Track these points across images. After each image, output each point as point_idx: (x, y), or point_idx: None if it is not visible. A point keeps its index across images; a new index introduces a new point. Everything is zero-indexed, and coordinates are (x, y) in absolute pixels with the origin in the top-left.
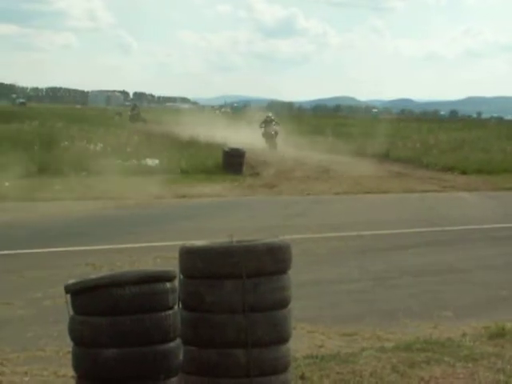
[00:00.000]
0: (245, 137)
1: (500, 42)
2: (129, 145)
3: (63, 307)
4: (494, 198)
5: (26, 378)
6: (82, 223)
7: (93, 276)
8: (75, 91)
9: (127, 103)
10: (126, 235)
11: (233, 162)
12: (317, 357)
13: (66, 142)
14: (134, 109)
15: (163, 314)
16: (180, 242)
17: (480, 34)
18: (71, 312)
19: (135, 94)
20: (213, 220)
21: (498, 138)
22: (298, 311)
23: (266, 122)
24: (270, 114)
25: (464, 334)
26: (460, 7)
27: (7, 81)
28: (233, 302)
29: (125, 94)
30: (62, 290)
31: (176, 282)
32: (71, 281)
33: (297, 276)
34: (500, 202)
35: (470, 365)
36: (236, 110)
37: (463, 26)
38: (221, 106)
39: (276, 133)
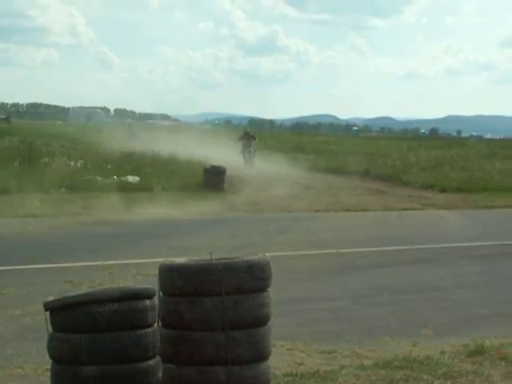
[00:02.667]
0: (223, 154)
1: (479, 61)
2: (109, 162)
3: (42, 324)
4: (474, 216)
5: None
6: (62, 240)
7: (72, 293)
8: (56, 107)
9: (108, 120)
10: (106, 252)
11: (214, 179)
12: (296, 374)
13: (47, 159)
14: (130, 127)
15: (142, 331)
16: (160, 260)
17: (460, 53)
18: (50, 329)
19: (116, 110)
20: (193, 237)
21: (477, 156)
22: (278, 329)
23: (244, 138)
24: (248, 130)
25: (443, 352)
26: (440, 26)
27: None
28: (212, 320)
29: (106, 110)
30: (41, 307)
31: (155, 300)
32: (50, 298)
33: (277, 293)
34: (479, 220)
35: (449, 382)
36: (217, 127)
37: (443, 45)
38: (201, 124)
39: (254, 150)
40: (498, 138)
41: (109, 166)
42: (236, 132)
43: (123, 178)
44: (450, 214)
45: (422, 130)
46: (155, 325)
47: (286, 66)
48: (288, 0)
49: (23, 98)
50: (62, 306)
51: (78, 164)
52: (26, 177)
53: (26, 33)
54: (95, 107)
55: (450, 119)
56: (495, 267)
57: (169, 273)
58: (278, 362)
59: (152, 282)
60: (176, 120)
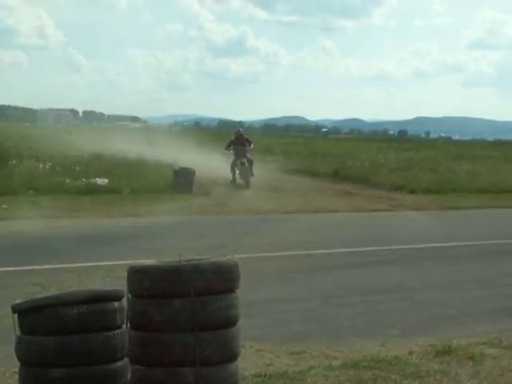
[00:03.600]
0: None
1: (447, 63)
2: (78, 164)
3: (10, 327)
4: (442, 217)
5: None
6: (30, 242)
7: (40, 296)
8: (24, 109)
9: (77, 122)
10: (75, 254)
11: (182, 181)
12: (265, 375)
13: (14, 161)
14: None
15: (111, 333)
16: (129, 262)
17: (428, 55)
18: (18, 332)
19: (85, 112)
20: (162, 239)
21: (445, 157)
22: (247, 330)
23: (237, 144)
24: (241, 130)
25: (411, 352)
26: (408, 28)
27: None
28: (181, 321)
29: (74, 112)
30: (9, 309)
31: (124, 302)
32: (18, 300)
33: (245, 295)
34: (447, 221)
35: (417, 382)
36: (186, 128)
37: (411, 46)
38: (170, 126)
39: (250, 161)
40: (465, 139)
41: (77, 168)
42: (206, 134)
43: (92, 180)
44: (419, 215)
45: (391, 132)
46: (124, 326)
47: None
48: (257, 2)
49: None
50: (29, 309)
51: (47, 166)
52: None
53: None
54: (64, 109)
55: (418, 120)
56: (462, 268)
57: (137, 274)
58: (247, 362)
59: (121, 284)
60: (145, 122)
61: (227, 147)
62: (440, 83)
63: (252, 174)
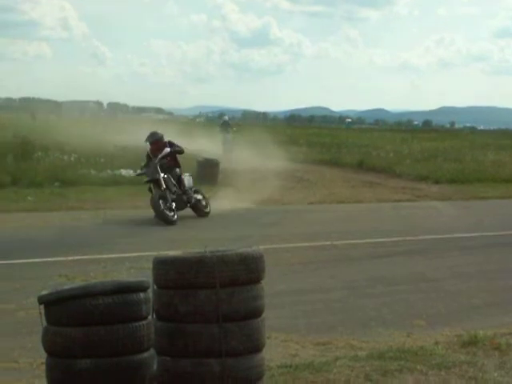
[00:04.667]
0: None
1: (472, 52)
2: (103, 155)
3: (37, 318)
4: (467, 207)
5: None
6: (56, 234)
7: (66, 287)
8: (48, 101)
9: (102, 113)
10: (100, 246)
11: (207, 172)
12: (291, 366)
13: (40, 153)
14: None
15: (137, 324)
16: (154, 253)
17: (452, 44)
18: (45, 323)
19: (109, 104)
20: (187, 230)
21: (470, 147)
22: (272, 320)
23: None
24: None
25: (436, 343)
26: (433, 17)
27: None
28: (207, 312)
29: (99, 104)
30: (35, 301)
31: (150, 293)
32: (45, 292)
33: (271, 285)
34: (472, 211)
35: (443, 373)
36: (211, 120)
37: (436, 36)
38: (195, 117)
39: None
40: (491, 129)
41: (102, 160)
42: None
43: (117, 172)
44: (444, 206)
45: (416, 122)
46: (149, 317)
47: (279, 58)
48: None
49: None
50: (56, 300)
51: (72, 158)
52: (20, 171)
53: (18, 27)
54: (88, 101)
55: (443, 111)
56: (488, 258)
57: (163, 265)
58: (273, 353)
59: (146, 275)
60: (170, 113)
61: (142, 167)
62: (465, 73)
63: (204, 210)
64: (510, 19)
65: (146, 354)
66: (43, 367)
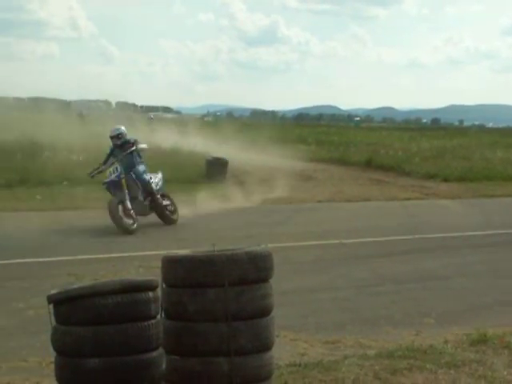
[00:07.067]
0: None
1: (481, 50)
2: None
3: (46, 317)
4: (476, 205)
5: None
6: (65, 233)
7: (75, 286)
8: (57, 101)
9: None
10: (109, 245)
11: (216, 171)
12: (300, 365)
13: (48, 152)
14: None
15: (146, 323)
16: (162, 252)
17: (461, 42)
18: (54, 322)
19: (118, 103)
20: (195, 229)
21: (479, 145)
22: (281, 319)
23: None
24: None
25: (446, 341)
26: (441, 15)
27: None
28: (215, 311)
29: (107, 103)
30: (44, 300)
31: (158, 292)
32: (54, 291)
33: (279, 284)
34: (481, 209)
35: (452, 371)
36: (219, 119)
37: (445, 34)
38: (203, 115)
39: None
40: (500, 126)
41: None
42: (235, 124)
43: None
44: (452, 204)
45: (424, 120)
46: (158, 316)
47: (286, 56)
48: None
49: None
50: (65, 299)
51: (80, 158)
52: (28, 171)
53: (26, 26)
54: (97, 100)
55: (451, 109)
56: (497, 256)
57: (172, 264)
58: (282, 352)
59: (155, 274)
60: (177, 112)
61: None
62: (473, 71)
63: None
64: None
65: (154, 353)
66: (52, 366)
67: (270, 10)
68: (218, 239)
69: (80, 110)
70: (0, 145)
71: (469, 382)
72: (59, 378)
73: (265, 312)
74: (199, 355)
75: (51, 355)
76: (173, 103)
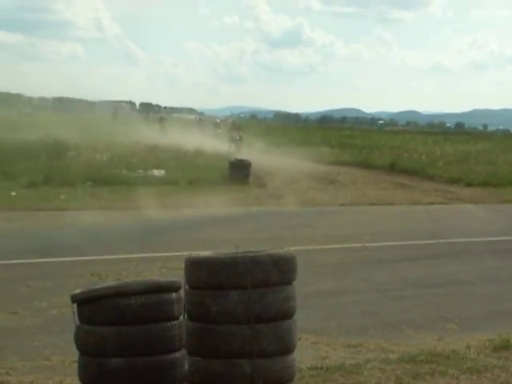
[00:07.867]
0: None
1: (506, 54)
2: (135, 155)
3: (69, 317)
4: (499, 210)
5: None
6: (88, 233)
7: (99, 286)
8: (81, 101)
9: (134, 113)
10: (132, 245)
11: (239, 172)
12: (321, 368)
13: (73, 152)
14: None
15: (169, 324)
16: (186, 253)
17: (486, 46)
18: (77, 321)
19: (142, 104)
20: (218, 231)
21: (503, 150)
22: (303, 322)
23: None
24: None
25: (468, 346)
26: (466, 19)
27: (14, 90)
28: (238, 313)
29: (131, 104)
30: (68, 299)
31: (181, 293)
32: (77, 290)
33: (302, 287)
34: (505, 214)
35: (474, 377)
36: (243, 121)
37: (469, 38)
38: (227, 117)
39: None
40: None
41: (134, 160)
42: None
43: (149, 172)
44: (476, 209)
45: (448, 124)
46: (181, 317)
47: (311, 59)
48: None
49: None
50: (88, 299)
51: (104, 158)
52: (53, 170)
53: (51, 27)
54: (121, 101)
55: (476, 113)
56: None
57: (195, 266)
58: (303, 355)
59: (178, 275)
60: (201, 114)
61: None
62: (498, 75)
63: None
64: None
65: (177, 354)
66: (75, 365)
67: (294, 12)
68: (241, 241)
69: (113, 111)
70: (24, 144)
71: None
72: (82, 377)
73: (287, 315)
74: (221, 357)
75: (74, 354)
76: (196, 104)
